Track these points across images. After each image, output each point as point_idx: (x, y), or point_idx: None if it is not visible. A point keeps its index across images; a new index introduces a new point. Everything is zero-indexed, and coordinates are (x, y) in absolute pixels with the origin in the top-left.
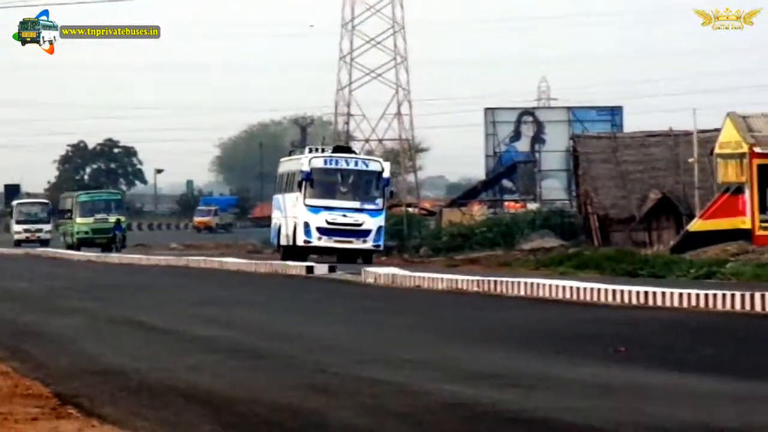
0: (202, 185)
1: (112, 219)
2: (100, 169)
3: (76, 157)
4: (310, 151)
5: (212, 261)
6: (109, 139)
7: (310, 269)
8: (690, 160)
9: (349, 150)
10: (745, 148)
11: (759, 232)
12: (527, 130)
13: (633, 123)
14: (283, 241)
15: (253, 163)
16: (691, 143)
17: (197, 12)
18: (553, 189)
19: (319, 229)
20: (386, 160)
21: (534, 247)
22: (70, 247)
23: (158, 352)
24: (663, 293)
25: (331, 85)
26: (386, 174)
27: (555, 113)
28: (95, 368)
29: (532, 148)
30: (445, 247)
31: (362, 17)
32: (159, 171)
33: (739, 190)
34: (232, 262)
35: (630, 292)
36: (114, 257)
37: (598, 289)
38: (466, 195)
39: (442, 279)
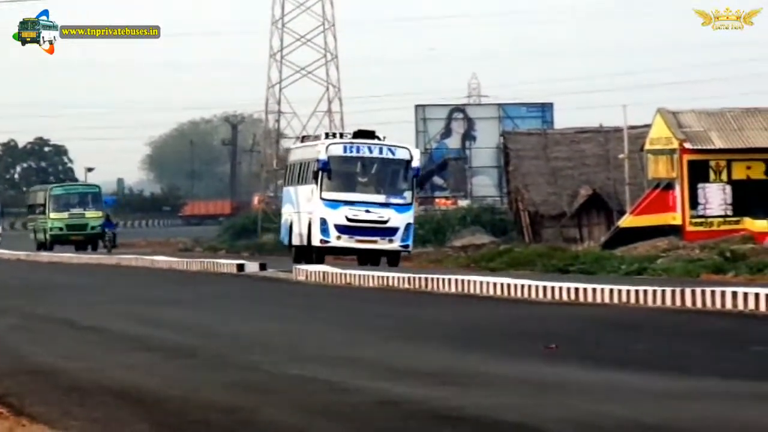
0: (133, 183)
1: (90, 214)
2: (30, 167)
3: (6, 156)
4: (327, 136)
5: (143, 259)
6: (40, 138)
7: (240, 267)
8: (620, 156)
9: (372, 135)
10: (675, 144)
11: (689, 228)
12: (458, 127)
13: (563, 119)
14: (296, 241)
15: (184, 161)
16: (622, 139)
17: (125, 11)
18: (484, 186)
19: (338, 227)
20: None
21: (465, 244)
22: (41, 245)
23: (90, 351)
24: (594, 289)
25: (261, 82)
26: (416, 163)
27: (485, 110)
28: (26, 367)
29: (463, 144)
30: None
31: (292, 15)
32: (90, 170)
33: (669, 186)
34: (163, 260)
35: (561, 288)
36: (44, 256)
37: (529, 286)
38: None
39: (372, 276)
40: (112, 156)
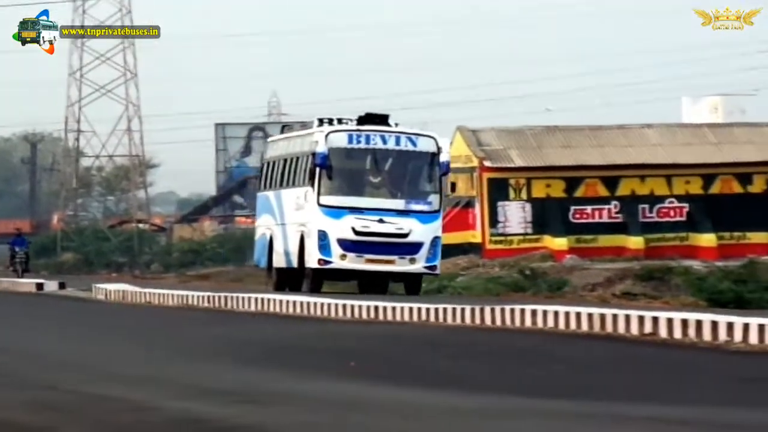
0: None
1: None
2: None
3: None
4: (321, 122)
5: None
6: None
7: (40, 286)
8: None
9: (384, 120)
10: (475, 162)
11: (489, 246)
12: (258, 146)
13: None
14: (279, 262)
15: None
16: None
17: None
18: None
19: (343, 243)
20: (116, 176)
21: None
22: None
23: None
24: (393, 308)
25: (61, 101)
26: (444, 157)
27: None
28: None
29: None
30: (177, 263)
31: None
32: None
33: (469, 204)
34: None
35: (360, 306)
36: None
37: (329, 304)
38: (196, 211)
39: (172, 295)
40: None
